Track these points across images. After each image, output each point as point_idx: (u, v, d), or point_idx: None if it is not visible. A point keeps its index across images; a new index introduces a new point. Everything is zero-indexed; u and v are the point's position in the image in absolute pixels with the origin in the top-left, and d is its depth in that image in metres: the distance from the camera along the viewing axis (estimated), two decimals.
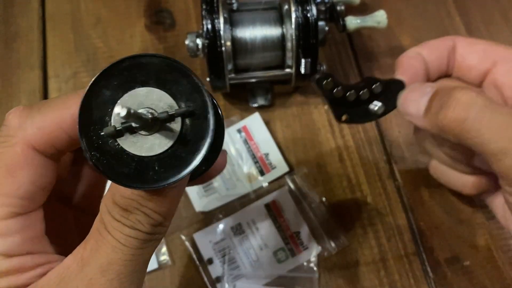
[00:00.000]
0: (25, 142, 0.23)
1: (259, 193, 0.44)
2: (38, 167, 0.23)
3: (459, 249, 0.42)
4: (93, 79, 0.20)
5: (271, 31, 0.43)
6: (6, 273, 0.22)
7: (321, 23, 0.42)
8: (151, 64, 0.21)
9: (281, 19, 0.43)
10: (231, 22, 0.42)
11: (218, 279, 0.41)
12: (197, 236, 0.42)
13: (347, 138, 0.47)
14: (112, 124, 0.20)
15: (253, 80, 0.46)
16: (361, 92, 0.31)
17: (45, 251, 0.24)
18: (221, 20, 0.41)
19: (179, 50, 0.51)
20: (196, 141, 0.20)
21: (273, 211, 0.43)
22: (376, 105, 0.32)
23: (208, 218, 0.43)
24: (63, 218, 0.27)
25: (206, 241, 0.42)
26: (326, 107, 0.48)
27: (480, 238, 0.43)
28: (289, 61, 0.43)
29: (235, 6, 0.44)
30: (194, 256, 0.42)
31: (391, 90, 0.32)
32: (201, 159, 0.20)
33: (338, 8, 0.44)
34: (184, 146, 0.20)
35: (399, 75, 0.33)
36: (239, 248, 0.42)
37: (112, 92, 0.20)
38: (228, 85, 0.44)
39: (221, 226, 0.43)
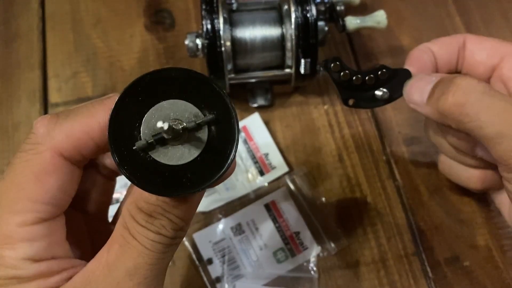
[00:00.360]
0: (53, 149, 0.23)
1: (259, 193, 0.44)
2: (65, 174, 0.24)
3: (459, 249, 0.42)
4: (118, 98, 0.21)
5: (271, 31, 0.43)
6: (35, 277, 0.22)
7: (320, 23, 0.42)
8: (170, 77, 0.22)
9: (280, 19, 0.43)
10: (231, 22, 0.42)
11: (218, 279, 0.41)
12: (197, 236, 0.42)
13: (346, 138, 0.47)
14: (143, 138, 0.21)
15: (253, 80, 0.46)
16: (367, 78, 0.32)
17: (68, 255, 0.24)
18: (221, 20, 0.41)
19: (179, 50, 0.51)
20: (222, 146, 0.21)
21: (273, 211, 0.43)
22: (382, 91, 0.33)
23: (208, 218, 0.43)
24: (76, 223, 0.27)
25: (205, 241, 0.42)
26: (325, 107, 0.48)
27: (480, 238, 0.43)
28: (288, 61, 0.43)
29: (234, 6, 0.44)
30: (194, 256, 0.42)
31: (398, 78, 0.33)
32: (230, 163, 0.21)
33: (338, 8, 0.44)
34: (211, 152, 0.21)
35: (410, 65, 0.34)
36: (239, 248, 0.42)
37: (138, 108, 0.21)
38: (227, 85, 0.44)
39: (221, 226, 0.43)
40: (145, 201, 0.22)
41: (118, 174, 0.30)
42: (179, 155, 0.21)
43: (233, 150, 0.21)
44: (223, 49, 0.41)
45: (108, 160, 0.29)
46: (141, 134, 0.21)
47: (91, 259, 0.25)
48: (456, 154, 0.35)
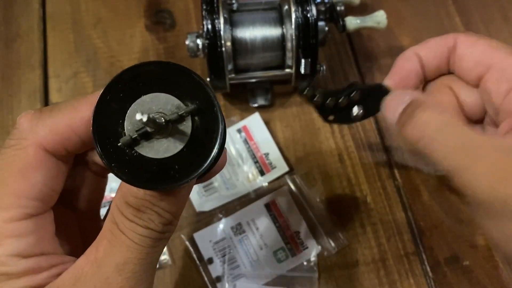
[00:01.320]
0: (37, 144, 0.23)
1: (259, 193, 0.44)
2: (50, 169, 0.24)
3: (459, 248, 0.42)
4: (99, 96, 0.21)
5: (271, 31, 0.43)
6: (23, 273, 0.22)
7: (321, 23, 0.42)
8: (150, 71, 0.22)
9: (281, 20, 0.43)
10: (231, 23, 0.43)
11: (218, 279, 0.41)
12: (197, 236, 0.42)
13: (346, 138, 0.47)
14: (127, 134, 0.21)
15: (253, 80, 0.46)
16: (340, 100, 0.33)
17: (57, 252, 0.24)
18: (221, 20, 0.41)
19: (180, 50, 0.51)
20: (207, 137, 0.21)
21: (273, 211, 0.43)
22: (357, 110, 0.34)
23: (208, 218, 0.43)
24: (66, 220, 0.27)
25: (206, 241, 0.42)
26: None
27: (479, 237, 0.43)
28: (289, 61, 0.43)
29: (235, 6, 0.44)
30: (194, 255, 0.42)
31: (376, 95, 0.33)
32: (217, 152, 0.21)
33: (338, 8, 0.45)
34: (197, 143, 0.21)
35: (390, 78, 0.34)
36: (239, 248, 0.42)
37: (120, 104, 0.21)
38: (228, 85, 0.44)
39: (221, 226, 0.43)
40: (132, 196, 0.22)
41: (109, 171, 0.30)
42: (165, 148, 0.21)
43: (218, 140, 0.21)
44: (223, 49, 0.41)
45: (97, 156, 0.29)
46: (125, 130, 0.21)
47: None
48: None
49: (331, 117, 0.34)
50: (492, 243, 0.28)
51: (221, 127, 0.21)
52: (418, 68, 0.33)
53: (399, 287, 0.41)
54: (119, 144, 0.21)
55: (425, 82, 0.34)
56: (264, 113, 0.47)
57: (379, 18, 0.44)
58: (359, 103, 0.34)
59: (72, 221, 0.28)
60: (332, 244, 0.42)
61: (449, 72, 0.34)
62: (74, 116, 0.23)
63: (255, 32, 0.43)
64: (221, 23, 0.41)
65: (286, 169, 0.45)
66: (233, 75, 0.43)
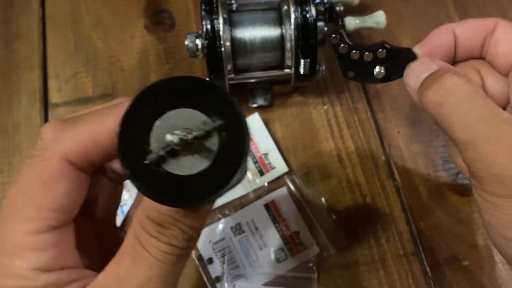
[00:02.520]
0: (60, 156, 0.23)
1: (259, 193, 0.44)
2: (73, 181, 0.23)
3: (458, 249, 0.42)
4: (124, 113, 0.20)
5: (271, 32, 0.43)
6: None
7: (320, 23, 0.42)
8: (175, 86, 0.21)
9: (280, 20, 0.43)
10: (231, 23, 0.43)
11: (218, 279, 0.41)
12: None
13: (346, 138, 0.47)
14: (154, 152, 0.20)
15: (253, 80, 0.46)
16: (365, 54, 0.32)
17: (78, 265, 0.24)
18: (221, 20, 0.41)
19: (179, 50, 0.51)
20: (233, 154, 0.21)
21: (273, 211, 0.43)
22: (379, 70, 0.33)
23: (208, 218, 0.43)
24: (84, 230, 0.26)
25: (205, 241, 0.42)
26: (325, 107, 0.48)
27: (479, 238, 0.43)
28: (288, 62, 0.43)
29: (234, 6, 0.44)
30: (194, 255, 0.42)
31: (402, 59, 0.32)
32: (243, 168, 0.21)
33: (337, 8, 0.45)
34: (222, 160, 0.21)
35: (421, 46, 0.32)
36: (239, 248, 0.42)
37: (145, 120, 0.21)
38: (227, 86, 0.44)
39: (220, 226, 0.43)
40: (156, 211, 0.22)
41: (125, 178, 0.30)
42: (191, 165, 0.21)
43: (245, 157, 0.20)
44: (223, 49, 0.41)
45: (116, 164, 0.28)
46: (151, 147, 0.20)
47: (100, 267, 0.24)
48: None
49: (350, 73, 0.33)
50: (497, 224, 0.27)
51: (248, 143, 0.21)
52: (451, 44, 0.32)
53: (398, 287, 0.41)
54: (145, 162, 0.20)
55: (453, 62, 0.33)
56: (264, 113, 0.47)
57: (378, 18, 0.44)
58: (384, 63, 0.33)
59: (89, 230, 0.28)
60: (332, 244, 0.42)
61: (480, 58, 0.33)
62: (99, 127, 0.23)
63: (254, 32, 0.43)
64: (220, 23, 0.41)
65: (286, 169, 0.45)
66: (232, 75, 0.43)
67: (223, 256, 0.42)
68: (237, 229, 0.43)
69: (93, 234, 0.28)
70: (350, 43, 0.33)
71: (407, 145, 0.46)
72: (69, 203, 0.23)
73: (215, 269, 0.41)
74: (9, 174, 0.46)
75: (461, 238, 0.43)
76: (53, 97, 0.49)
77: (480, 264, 0.42)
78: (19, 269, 0.21)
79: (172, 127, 0.21)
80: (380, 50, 0.32)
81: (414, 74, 0.31)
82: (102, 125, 0.23)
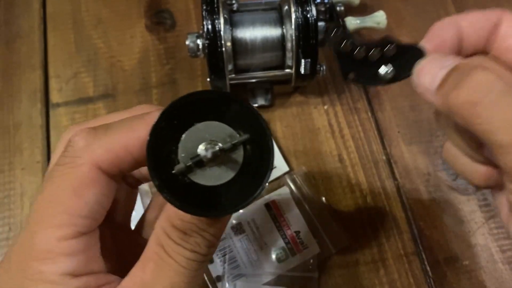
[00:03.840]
0: (92, 163, 0.23)
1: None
2: (102, 188, 0.23)
3: (458, 248, 0.42)
4: (154, 123, 0.21)
5: (271, 32, 0.43)
6: None
7: (320, 23, 0.42)
8: (203, 99, 0.22)
9: (281, 20, 0.43)
10: (232, 23, 0.43)
11: (219, 278, 0.41)
12: None
13: (346, 138, 0.47)
14: (181, 162, 0.21)
15: (253, 80, 0.46)
16: (371, 52, 0.30)
17: (103, 270, 0.24)
18: (222, 20, 0.41)
19: (180, 50, 0.51)
20: (258, 166, 0.21)
21: (273, 211, 0.43)
22: (387, 69, 0.30)
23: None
24: (104, 235, 0.27)
25: None
26: (325, 107, 0.48)
27: (479, 237, 0.43)
28: (289, 62, 0.43)
29: (235, 6, 0.44)
30: None
31: (409, 56, 0.29)
32: (267, 181, 0.21)
33: (338, 8, 0.45)
34: (247, 172, 0.22)
35: (424, 42, 0.30)
36: (240, 248, 0.42)
37: (174, 131, 0.21)
38: (228, 85, 0.44)
39: None
40: (180, 219, 0.22)
41: (141, 183, 0.30)
42: (216, 176, 0.21)
43: (269, 170, 0.21)
44: (223, 49, 0.41)
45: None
46: (179, 157, 0.21)
47: (117, 271, 0.25)
48: (465, 146, 0.31)
49: (351, 75, 0.31)
50: None
51: (272, 157, 0.21)
52: (455, 39, 0.30)
53: (398, 287, 0.41)
54: (173, 172, 0.21)
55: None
56: (264, 113, 0.47)
57: (378, 18, 0.44)
58: (389, 62, 0.30)
59: (107, 235, 0.28)
60: (332, 243, 0.42)
61: (483, 53, 0.31)
62: (131, 136, 0.23)
63: (255, 33, 0.43)
64: (221, 23, 0.41)
65: (286, 169, 0.45)
66: (233, 75, 0.43)
67: (224, 255, 0.42)
68: (238, 228, 0.43)
69: (110, 239, 0.28)
70: (356, 41, 0.30)
71: (408, 144, 0.46)
72: (97, 210, 0.24)
73: (216, 268, 0.41)
74: (9, 174, 0.46)
75: (461, 238, 0.43)
76: (54, 97, 0.49)
77: (480, 264, 0.42)
78: (50, 274, 0.22)
79: (200, 139, 0.21)
80: (388, 46, 0.29)
81: (429, 72, 0.28)
82: (133, 134, 0.23)
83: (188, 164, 0.21)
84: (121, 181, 0.28)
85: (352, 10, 0.48)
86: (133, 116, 0.24)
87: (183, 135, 0.21)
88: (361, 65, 0.30)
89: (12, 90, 0.49)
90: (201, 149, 0.20)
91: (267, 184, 0.21)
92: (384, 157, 0.46)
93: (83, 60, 0.51)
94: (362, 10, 0.51)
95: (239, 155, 0.22)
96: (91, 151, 0.23)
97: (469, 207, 0.44)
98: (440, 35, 0.30)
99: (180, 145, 0.21)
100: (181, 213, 0.22)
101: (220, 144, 0.21)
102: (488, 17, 0.30)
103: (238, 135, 0.22)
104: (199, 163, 0.21)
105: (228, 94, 0.22)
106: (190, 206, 0.21)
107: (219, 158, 0.21)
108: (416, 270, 0.42)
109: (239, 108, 0.22)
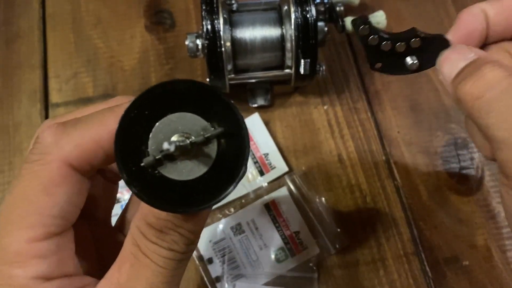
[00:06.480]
0: (61, 160, 0.22)
1: (259, 193, 0.44)
2: (74, 185, 0.22)
3: (458, 249, 0.42)
4: (124, 112, 0.20)
5: (271, 32, 0.43)
6: None
7: (320, 23, 0.42)
8: (178, 89, 0.21)
9: (280, 20, 0.43)
10: (231, 23, 0.43)
11: (218, 279, 0.41)
12: None
13: (346, 138, 0.47)
14: (151, 154, 0.20)
15: (253, 80, 0.46)
16: (397, 44, 0.31)
17: (78, 273, 0.23)
18: (221, 20, 0.41)
19: (179, 50, 0.51)
20: (232, 160, 0.20)
21: (273, 211, 0.43)
22: (412, 60, 0.31)
23: (208, 218, 0.43)
24: (82, 233, 0.26)
25: (206, 241, 0.42)
26: (325, 107, 0.48)
27: (479, 238, 0.43)
28: (288, 62, 0.43)
29: (234, 6, 0.44)
30: (194, 256, 0.42)
31: (434, 47, 0.30)
32: (241, 176, 0.20)
33: (338, 8, 0.45)
34: (221, 166, 0.21)
35: (451, 32, 0.31)
36: (239, 248, 0.42)
37: (145, 122, 0.20)
38: (227, 86, 0.44)
39: (220, 226, 0.43)
40: (155, 217, 0.21)
41: (121, 178, 0.30)
42: (188, 170, 0.20)
43: (244, 163, 0.20)
44: (223, 49, 0.41)
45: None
46: (149, 149, 0.20)
47: (97, 270, 0.24)
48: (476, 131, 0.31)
49: (378, 65, 0.32)
50: None
51: (247, 151, 0.20)
52: (483, 27, 0.30)
53: (398, 287, 0.41)
54: (142, 164, 0.20)
55: (484, 44, 0.32)
56: (264, 113, 0.47)
57: (378, 18, 0.44)
58: (415, 53, 0.31)
59: (85, 232, 0.27)
60: (332, 244, 0.42)
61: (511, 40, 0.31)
62: (101, 130, 0.22)
63: (254, 33, 0.43)
64: (220, 23, 0.41)
65: (286, 169, 0.45)
66: (232, 76, 0.43)
67: (223, 256, 0.42)
68: (237, 229, 0.43)
69: (89, 236, 0.27)
70: (382, 34, 0.31)
71: (407, 145, 0.46)
72: (69, 209, 0.23)
73: (215, 269, 0.41)
74: (9, 174, 0.46)
75: (461, 238, 0.43)
76: (54, 97, 0.49)
77: (480, 264, 0.42)
78: (21, 279, 0.21)
79: (172, 130, 0.20)
80: (413, 39, 0.30)
81: (450, 62, 0.28)
82: (104, 127, 0.22)
83: (157, 157, 0.20)
84: (97, 177, 0.27)
85: (352, 10, 0.48)
86: (104, 109, 0.23)
87: (155, 126, 0.20)
88: (387, 56, 0.31)
89: (11, 90, 0.49)
90: (165, 145, 0.19)
91: (242, 177, 0.20)
92: (384, 157, 0.46)
93: (83, 60, 0.51)
94: (362, 10, 0.51)
95: (212, 149, 0.21)
96: (60, 147, 0.22)
97: (469, 207, 0.44)
98: (467, 24, 0.30)
99: (151, 137, 0.20)
100: (155, 210, 0.21)
101: (192, 137, 0.20)
102: None
103: (212, 129, 0.21)
104: (170, 156, 0.20)
105: (204, 85, 0.21)
106: (159, 201, 0.20)
107: (191, 151, 0.20)
108: (416, 270, 0.42)
109: (216, 100, 0.21)
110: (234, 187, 0.20)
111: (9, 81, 0.50)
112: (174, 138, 0.20)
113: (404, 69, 0.31)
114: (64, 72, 0.50)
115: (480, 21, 0.30)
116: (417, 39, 0.30)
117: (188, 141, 0.20)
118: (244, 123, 0.20)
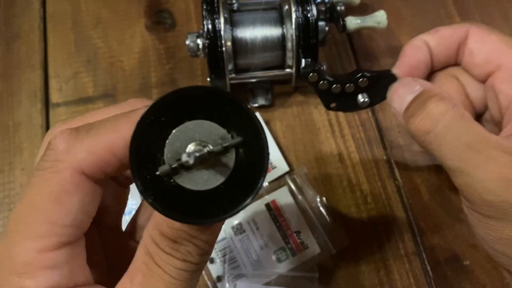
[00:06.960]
0: (74, 167, 0.21)
1: (260, 193, 0.44)
2: (86, 193, 0.22)
3: (459, 248, 0.42)
4: (140, 117, 0.19)
5: (272, 31, 0.43)
6: None
7: (321, 23, 0.42)
8: (196, 96, 0.20)
9: (281, 19, 0.43)
10: (232, 22, 0.43)
11: (219, 279, 0.41)
12: None
13: (347, 138, 0.47)
14: (167, 163, 0.19)
15: (254, 80, 0.46)
16: (346, 86, 0.32)
17: (89, 282, 0.22)
18: (222, 20, 0.41)
19: (180, 50, 0.51)
20: (250, 171, 0.20)
21: (274, 211, 0.43)
22: (363, 97, 0.33)
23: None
24: (92, 239, 0.25)
25: None
26: None
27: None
28: (289, 61, 0.43)
29: (235, 6, 0.44)
30: None
31: (382, 82, 0.32)
32: (259, 188, 0.20)
33: (338, 8, 0.45)
34: (239, 177, 0.20)
35: (398, 66, 0.32)
36: (240, 248, 0.42)
37: (161, 128, 0.20)
38: (228, 85, 0.44)
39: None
40: (169, 227, 0.21)
41: (132, 182, 0.29)
42: (205, 180, 0.20)
43: (263, 174, 0.19)
44: (223, 49, 0.41)
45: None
46: (165, 158, 0.19)
47: (108, 277, 0.23)
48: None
49: (333, 104, 0.33)
50: (488, 240, 0.28)
51: (266, 161, 0.20)
52: (427, 58, 0.32)
53: (399, 287, 0.41)
54: (157, 173, 0.19)
55: (431, 71, 0.33)
56: (264, 113, 0.47)
57: (379, 18, 0.44)
58: (365, 90, 0.32)
59: (95, 238, 0.26)
60: (333, 243, 0.42)
61: (456, 64, 0.33)
62: (115, 136, 0.21)
63: (255, 32, 0.43)
64: (221, 23, 0.41)
65: (286, 169, 0.45)
66: (233, 75, 0.43)
67: (224, 255, 0.42)
68: (238, 228, 0.43)
69: (99, 242, 0.27)
70: (330, 79, 0.33)
71: (408, 144, 0.46)
72: (81, 218, 0.22)
73: (216, 268, 0.41)
74: (9, 174, 0.46)
75: (461, 238, 0.43)
76: (54, 97, 0.49)
77: (480, 264, 0.42)
78: None
79: (189, 138, 0.20)
80: (360, 80, 0.32)
81: (398, 97, 0.30)
82: (118, 133, 0.21)
83: (173, 165, 0.19)
84: (109, 182, 0.27)
85: (352, 10, 0.48)
86: (118, 114, 0.22)
87: (171, 133, 0.20)
88: (339, 96, 0.33)
89: (12, 90, 0.49)
90: (189, 149, 0.19)
91: (258, 190, 0.20)
92: (384, 157, 0.46)
93: (83, 60, 0.51)
94: (363, 10, 0.51)
95: (230, 159, 0.20)
96: (72, 155, 0.21)
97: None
98: (411, 57, 0.32)
99: (167, 144, 0.20)
100: (169, 220, 0.20)
101: (210, 146, 0.19)
102: (454, 33, 0.32)
103: (230, 137, 0.20)
104: (186, 165, 0.19)
105: (222, 92, 0.20)
106: (174, 212, 0.19)
107: (209, 161, 0.19)
108: (417, 270, 0.42)
109: (235, 108, 0.20)
110: (252, 200, 0.19)
111: (9, 81, 0.50)
112: (191, 146, 0.20)
113: (357, 107, 0.33)
114: (64, 72, 0.50)
115: (424, 53, 0.32)
116: (364, 78, 0.32)
117: (205, 150, 0.19)
118: (263, 132, 0.20)
